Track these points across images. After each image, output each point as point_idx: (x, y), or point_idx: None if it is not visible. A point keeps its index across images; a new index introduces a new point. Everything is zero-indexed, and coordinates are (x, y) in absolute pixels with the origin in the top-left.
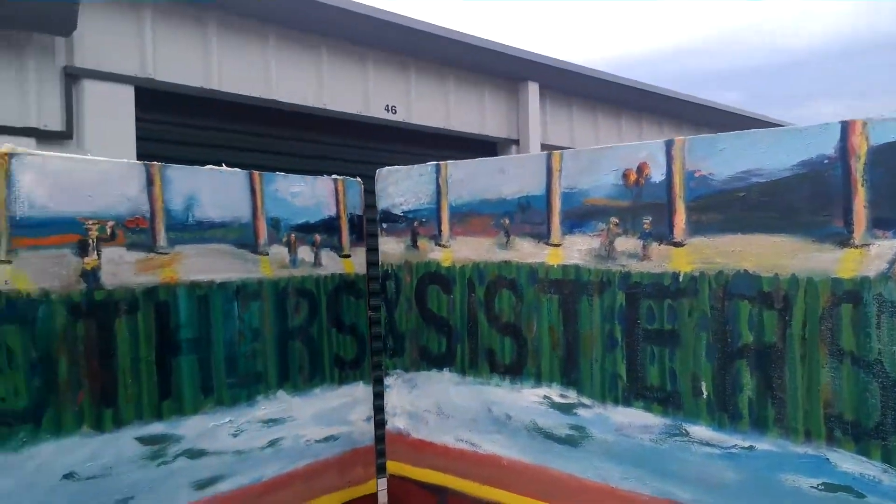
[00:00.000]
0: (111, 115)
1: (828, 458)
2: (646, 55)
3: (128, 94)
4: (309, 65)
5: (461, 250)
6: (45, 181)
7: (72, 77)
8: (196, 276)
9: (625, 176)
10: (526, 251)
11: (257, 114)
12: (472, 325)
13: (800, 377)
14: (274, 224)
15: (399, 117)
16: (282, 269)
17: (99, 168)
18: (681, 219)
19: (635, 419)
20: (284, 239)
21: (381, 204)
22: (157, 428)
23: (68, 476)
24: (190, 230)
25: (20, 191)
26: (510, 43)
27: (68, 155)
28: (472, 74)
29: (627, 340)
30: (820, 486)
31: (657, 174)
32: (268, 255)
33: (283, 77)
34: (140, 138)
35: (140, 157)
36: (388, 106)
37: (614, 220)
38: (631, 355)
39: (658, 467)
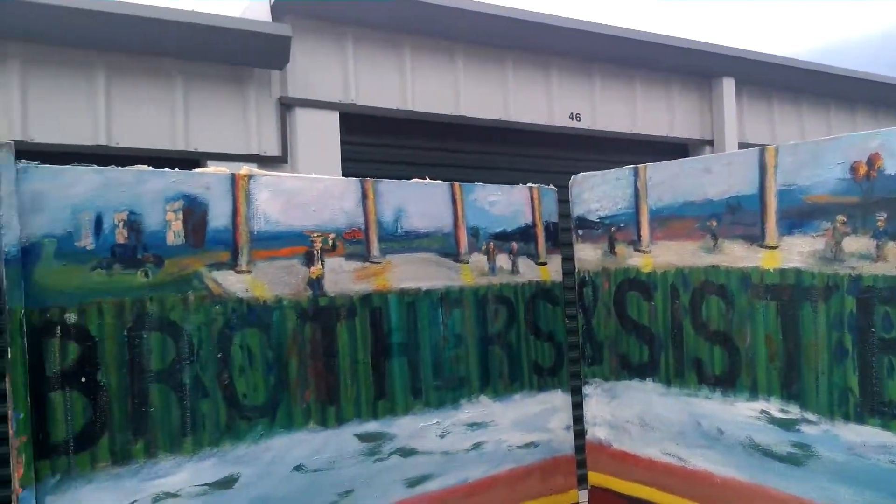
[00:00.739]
0: (319, 140)
1: None
2: (863, 41)
3: (333, 119)
4: (495, 79)
5: (663, 255)
6: (278, 199)
7: (286, 106)
8: (405, 284)
9: (853, 169)
10: (737, 254)
11: (448, 130)
12: (677, 334)
13: None
14: (474, 233)
15: (584, 124)
16: (481, 276)
17: (321, 185)
18: None
19: (870, 438)
20: (483, 247)
21: (577, 210)
22: (373, 426)
23: (298, 468)
24: (399, 240)
25: (257, 208)
26: (700, 38)
27: (295, 174)
28: (659, 74)
29: (860, 350)
30: None
31: (892, 165)
32: (468, 263)
33: (471, 93)
34: (345, 159)
35: (345, 176)
36: (572, 114)
37: (841, 217)
38: (864, 367)
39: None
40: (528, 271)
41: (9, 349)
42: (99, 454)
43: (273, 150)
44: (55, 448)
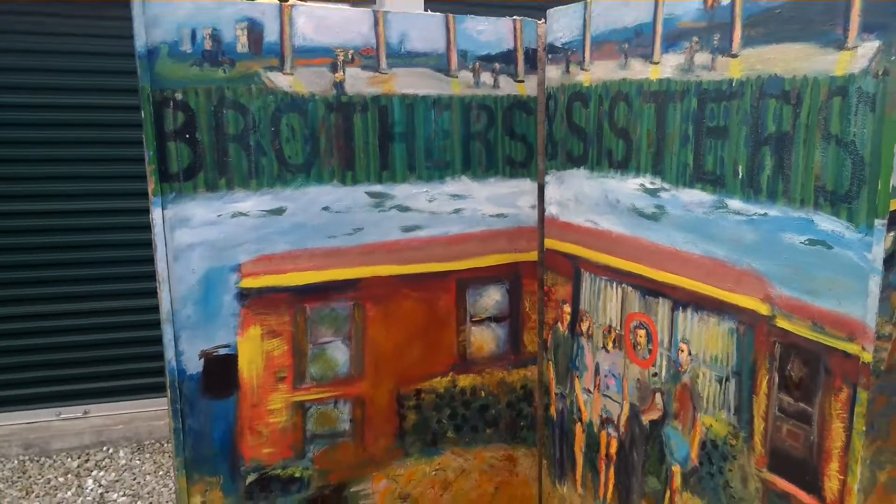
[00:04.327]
0: None
1: (812, 220)
2: None
3: None
4: None
5: (596, 72)
6: (312, 22)
7: None
8: (405, 90)
9: (705, 1)
10: (637, 70)
11: None
12: (599, 132)
13: (801, 157)
14: (463, 55)
15: None
16: (467, 88)
17: (344, 14)
18: (738, 34)
19: (695, 198)
20: (470, 66)
21: (548, 38)
22: (378, 188)
23: (325, 209)
24: (402, 57)
25: (297, 29)
26: None
27: (323, 4)
28: None
29: (695, 136)
30: (806, 242)
31: None
32: (457, 77)
33: None
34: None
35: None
36: None
37: (695, 38)
38: (697, 148)
39: (706, 233)
40: (508, 86)
41: (142, 112)
42: (198, 184)
43: None
44: (171, 177)
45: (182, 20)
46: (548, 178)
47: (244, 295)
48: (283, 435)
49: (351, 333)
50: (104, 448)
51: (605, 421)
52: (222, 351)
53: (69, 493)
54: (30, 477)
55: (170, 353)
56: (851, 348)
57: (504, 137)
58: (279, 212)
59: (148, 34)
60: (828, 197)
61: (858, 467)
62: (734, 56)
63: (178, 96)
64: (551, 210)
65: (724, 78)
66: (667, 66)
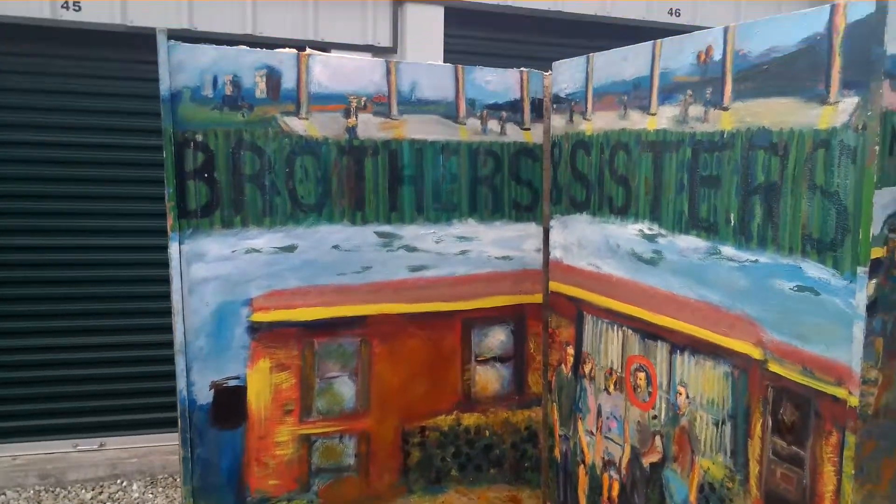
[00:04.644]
0: (425, 32)
1: (800, 267)
2: None
3: (439, 14)
4: None
5: (597, 122)
6: (328, 71)
7: (398, 3)
8: (415, 136)
9: (698, 56)
10: (635, 120)
11: (547, 25)
12: (601, 179)
13: (789, 206)
14: (471, 103)
15: (683, 20)
16: (475, 134)
17: (357, 64)
18: (728, 88)
19: (690, 244)
20: (478, 114)
21: (553, 89)
22: (387, 228)
23: (335, 247)
24: (412, 105)
25: (313, 77)
26: None
27: (338, 55)
28: None
29: (690, 184)
30: (795, 288)
31: (718, 54)
32: (465, 124)
33: None
34: (447, 51)
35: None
36: (671, 9)
37: (689, 91)
38: (691, 196)
39: (701, 278)
40: (514, 134)
41: (164, 152)
42: (214, 221)
43: (385, 41)
44: (189, 213)
45: (205, 66)
46: (553, 223)
47: (255, 328)
48: (289, 467)
49: (358, 369)
50: (118, 481)
51: (608, 463)
52: (232, 382)
53: None
54: None
55: (181, 384)
56: (840, 392)
57: (510, 182)
58: (291, 249)
59: (172, 79)
60: (814, 245)
61: None
62: (725, 109)
63: (199, 137)
64: (556, 253)
65: (717, 129)
66: (663, 118)
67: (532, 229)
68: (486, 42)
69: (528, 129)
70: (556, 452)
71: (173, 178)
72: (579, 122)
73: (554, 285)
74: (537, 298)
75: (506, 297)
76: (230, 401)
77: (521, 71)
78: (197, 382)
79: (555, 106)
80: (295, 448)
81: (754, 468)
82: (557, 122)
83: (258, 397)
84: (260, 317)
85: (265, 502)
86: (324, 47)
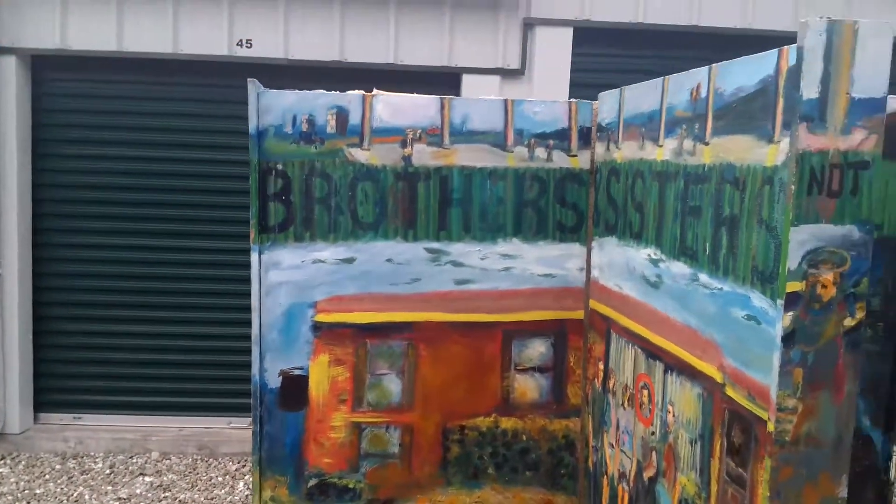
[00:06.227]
0: (553, 53)
1: (749, 297)
2: None
3: (567, 35)
4: None
5: (625, 151)
6: (388, 108)
7: (528, 26)
8: (465, 163)
9: (690, 93)
10: (648, 151)
11: (679, 39)
12: (625, 205)
13: (744, 238)
14: (519, 133)
15: None
16: (522, 161)
17: (414, 100)
18: (710, 124)
19: (680, 270)
20: (526, 143)
21: (598, 119)
22: (436, 245)
23: (388, 260)
24: (463, 135)
25: (376, 113)
26: None
27: (397, 94)
28: None
29: (681, 213)
30: (745, 316)
31: (704, 92)
32: (513, 152)
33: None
34: (573, 70)
35: (573, 84)
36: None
37: (684, 126)
38: (682, 224)
39: (685, 303)
40: (561, 160)
41: (250, 179)
42: (288, 236)
43: (514, 63)
44: (269, 229)
45: (286, 107)
46: (593, 244)
47: (317, 327)
48: (342, 449)
49: (404, 368)
50: None
51: (621, 475)
52: (297, 372)
53: (223, 490)
54: (197, 473)
55: (255, 369)
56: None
57: (555, 205)
58: (350, 261)
59: (260, 119)
60: (759, 276)
61: None
62: (707, 144)
63: (279, 167)
64: (594, 273)
65: (700, 163)
66: (667, 149)
67: (576, 249)
68: (612, 59)
69: (576, 156)
70: (590, 463)
71: (256, 200)
72: (613, 150)
73: (592, 303)
74: (579, 315)
75: (547, 312)
76: (295, 387)
77: (570, 102)
78: (269, 370)
79: (599, 134)
80: (347, 433)
81: (714, 487)
82: (599, 149)
83: (318, 386)
84: (322, 317)
85: (320, 477)
86: (458, 73)
